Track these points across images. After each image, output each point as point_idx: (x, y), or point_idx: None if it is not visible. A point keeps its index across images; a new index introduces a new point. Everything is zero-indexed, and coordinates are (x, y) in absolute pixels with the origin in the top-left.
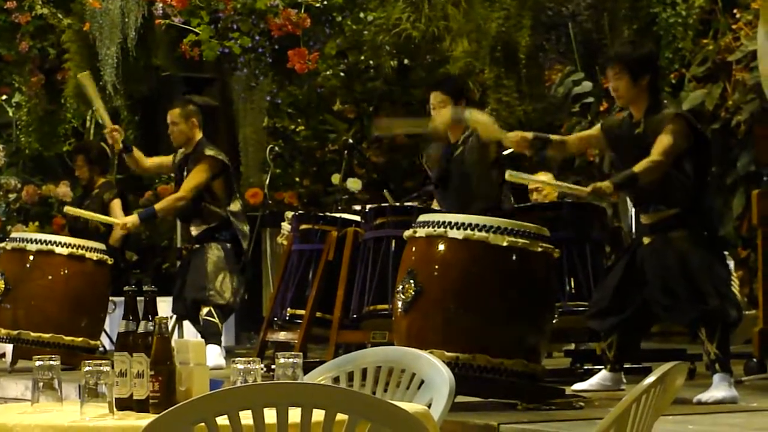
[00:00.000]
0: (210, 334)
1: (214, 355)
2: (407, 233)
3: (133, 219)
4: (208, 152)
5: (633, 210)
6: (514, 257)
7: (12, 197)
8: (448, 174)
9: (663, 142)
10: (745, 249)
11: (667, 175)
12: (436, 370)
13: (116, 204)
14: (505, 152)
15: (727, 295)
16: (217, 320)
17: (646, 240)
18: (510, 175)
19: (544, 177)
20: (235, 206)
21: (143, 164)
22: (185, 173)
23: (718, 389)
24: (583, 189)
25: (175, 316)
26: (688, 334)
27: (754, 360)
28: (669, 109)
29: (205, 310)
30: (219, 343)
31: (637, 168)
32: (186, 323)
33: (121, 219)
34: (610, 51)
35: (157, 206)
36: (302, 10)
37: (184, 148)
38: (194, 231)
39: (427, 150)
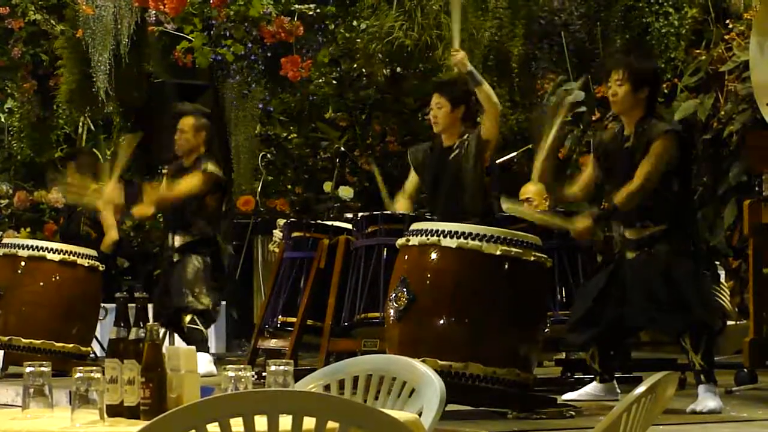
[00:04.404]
0: (197, 342)
1: (205, 362)
2: (400, 241)
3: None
4: (206, 167)
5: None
6: (507, 266)
7: (3, 203)
8: (440, 178)
9: (645, 166)
10: (736, 259)
11: (653, 192)
12: (427, 379)
13: (108, 211)
14: (498, 161)
15: (710, 303)
16: (201, 327)
17: (630, 255)
18: (508, 207)
19: (533, 188)
20: (223, 226)
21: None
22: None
23: (708, 399)
24: (568, 227)
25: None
26: (678, 343)
27: (745, 370)
28: (661, 124)
29: (187, 318)
30: (207, 350)
31: (618, 199)
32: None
33: (110, 232)
34: (614, 56)
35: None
36: (295, 18)
37: (182, 160)
38: (177, 241)
39: (415, 153)
